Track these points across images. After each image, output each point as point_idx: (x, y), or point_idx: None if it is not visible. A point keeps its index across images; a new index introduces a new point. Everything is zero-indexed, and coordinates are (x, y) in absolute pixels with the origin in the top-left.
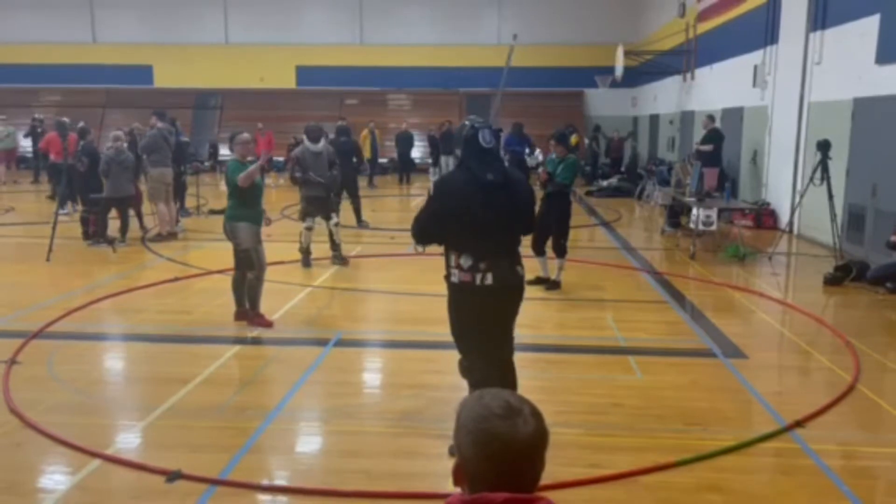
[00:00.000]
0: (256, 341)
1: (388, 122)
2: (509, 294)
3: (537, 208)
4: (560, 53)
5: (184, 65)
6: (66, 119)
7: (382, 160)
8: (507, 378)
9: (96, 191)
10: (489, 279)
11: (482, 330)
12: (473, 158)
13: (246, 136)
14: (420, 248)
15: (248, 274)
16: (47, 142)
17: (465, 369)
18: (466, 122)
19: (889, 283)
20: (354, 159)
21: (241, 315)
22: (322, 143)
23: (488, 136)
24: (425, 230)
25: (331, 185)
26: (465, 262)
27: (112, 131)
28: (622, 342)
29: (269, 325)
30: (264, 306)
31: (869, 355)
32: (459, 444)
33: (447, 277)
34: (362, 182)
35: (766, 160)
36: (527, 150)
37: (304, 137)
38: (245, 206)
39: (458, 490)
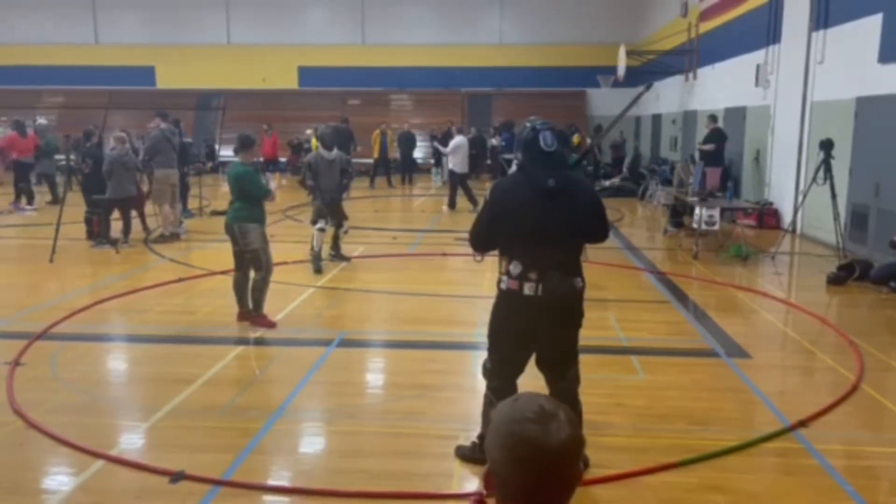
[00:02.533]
0: (259, 342)
1: (391, 123)
2: (560, 307)
3: None
4: (562, 53)
5: (186, 66)
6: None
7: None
8: (565, 391)
9: (100, 192)
10: (539, 290)
11: (518, 342)
12: (534, 162)
13: (253, 137)
14: (479, 258)
15: (254, 275)
16: (9, 141)
17: (487, 371)
18: (527, 124)
19: (892, 282)
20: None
21: (243, 316)
22: (336, 151)
23: (549, 138)
24: (480, 236)
25: (340, 193)
26: (515, 269)
27: (114, 132)
28: (625, 342)
29: (271, 325)
30: (267, 307)
31: (872, 355)
32: (490, 448)
33: (498, 283)
34: (363, 183)
35: (768, 159)
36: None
37: (319, 143)
38: (253, 207)
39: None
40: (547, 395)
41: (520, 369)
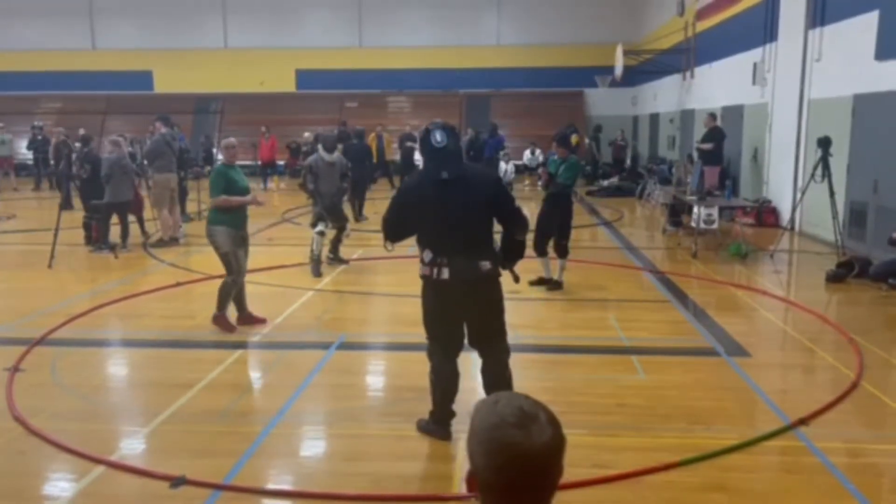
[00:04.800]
0: (259, 346)
1: (389, 125)
2: (468, 289)
3: (539, 209)
4: (560, 53)
5: (184, 70)
6: None
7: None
8: (496, 380)
9: (98, 197)
10: (445, 273)
11: (440, 321)
12: (428, 158)
13: (232, 140)
14: (389, 247)
15: (226, 278)
16: None
17: (428, 353)
18: (426, 126)
19: (892, 279)
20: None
21: (242, 320)
22: (336, 154)
23: (439, 135)
24: (390, 228)
25: (340, 197)
26: (427, 256)
27: (110, 137)
28: (625, 342)
29: (231, 329)
30: (268, 310)
31: (872, 352)
32: (472, 453)
33: (419, 270)
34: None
35: (766, 158)
36: (532, 154)
37: (320, 146)
38: (225, 211)
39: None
40: (526, 396)
41: (453, 347)
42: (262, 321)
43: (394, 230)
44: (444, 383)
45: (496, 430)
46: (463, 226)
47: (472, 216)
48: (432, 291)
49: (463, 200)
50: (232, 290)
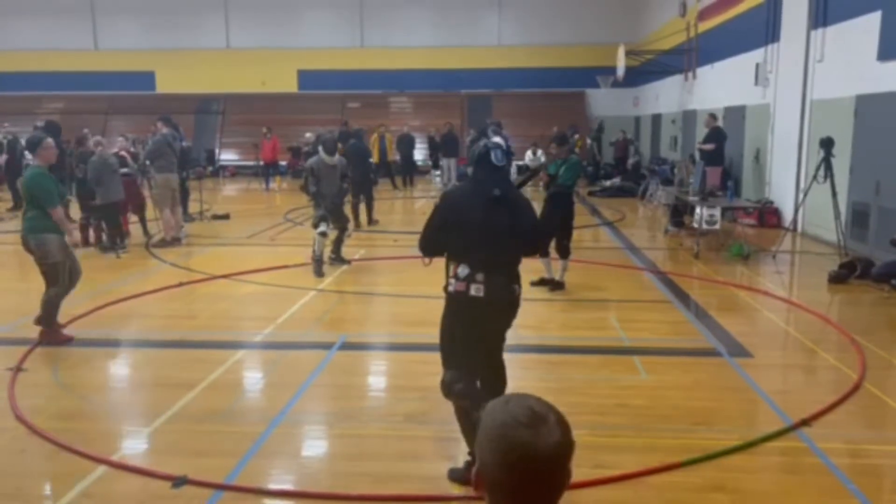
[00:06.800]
0: (261, 346)
1: (390, 125)
2: (500, 309)
3: (539, 210)
4: (561, 54)
5: (185, 70)
6: None
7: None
8: (496, 385)
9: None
10: (481, 291)
11: (470, 340)
12: (484, 174)
13: (50, 140)
14: (427, 261)
15: (53, 289)
16: None
17: (447, 385)
18: (481, 143)
19: (894, 280)
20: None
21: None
22: (337, 156)
23: (500, 155)
24: (430, 241)
25: (341, 198)
26: (462, 272)
27: (103, 138)
28: (626, 342)
29: (68, 339)
30: (270, 310)
31: (874, 353)
32: (481, 450)
33: (445, 287)
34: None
35: (768, 158)
36: (534, 154)
37: (320, 148)
38: (50, 217)
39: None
40: (537, 397)
41: (476, 371)
42: (69, 339)
43: (435, 246)
44: None
45: (506, 428)
46: (506, 245)
47: (516, 237)
48: (463, 309)
49: (510, 220)
50: (60, 302)
